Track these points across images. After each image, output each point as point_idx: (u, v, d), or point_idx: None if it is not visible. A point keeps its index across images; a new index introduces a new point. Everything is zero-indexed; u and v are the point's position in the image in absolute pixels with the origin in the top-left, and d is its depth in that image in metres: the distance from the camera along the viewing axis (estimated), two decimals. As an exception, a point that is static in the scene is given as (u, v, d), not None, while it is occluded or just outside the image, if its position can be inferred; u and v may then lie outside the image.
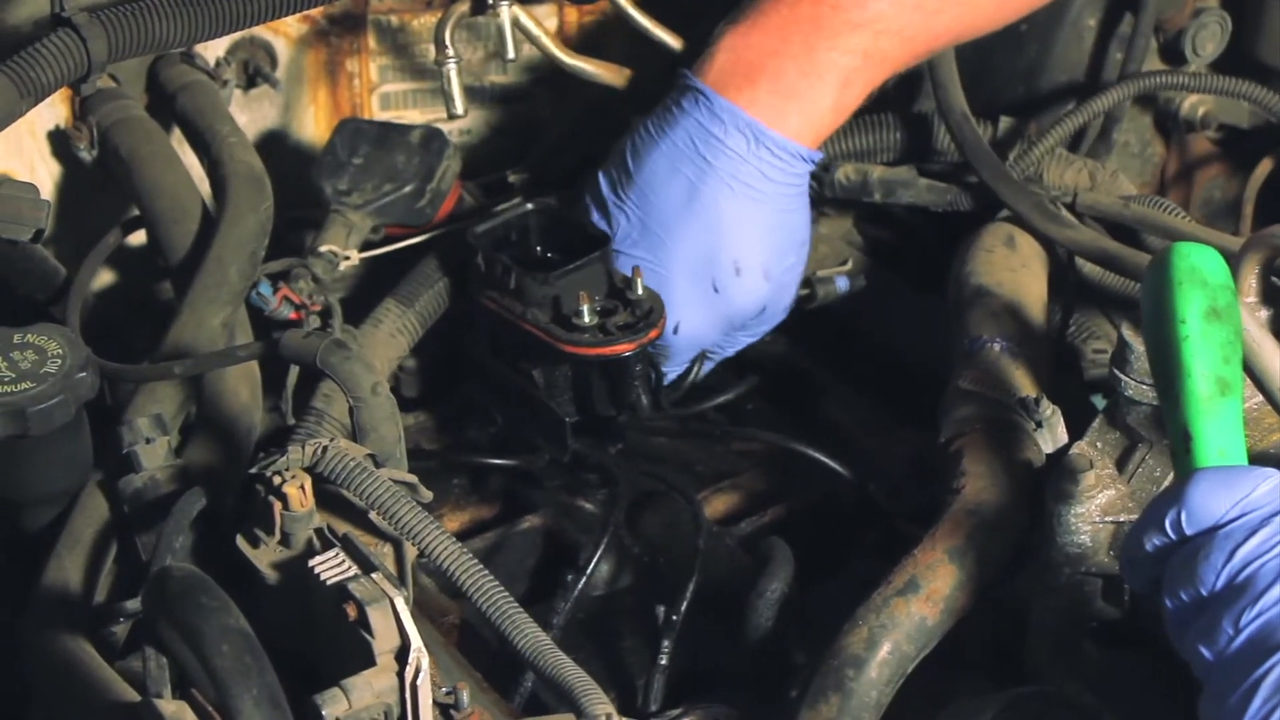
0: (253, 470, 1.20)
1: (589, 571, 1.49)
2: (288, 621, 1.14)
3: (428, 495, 1.21)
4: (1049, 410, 1.44)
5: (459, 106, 1.78)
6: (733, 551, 1.55)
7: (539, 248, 1.70)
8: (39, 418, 1.30)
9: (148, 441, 1.34)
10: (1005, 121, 1.85)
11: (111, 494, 1.35)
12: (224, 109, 1.79)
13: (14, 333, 1.34)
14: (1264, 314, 1.35)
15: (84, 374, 1.33)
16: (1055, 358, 1.63)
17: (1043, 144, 1.77)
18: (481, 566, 1.16)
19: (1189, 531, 1.10)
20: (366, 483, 1.17)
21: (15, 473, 1.37)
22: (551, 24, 1.98)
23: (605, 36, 2.01)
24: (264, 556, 1.17)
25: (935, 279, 1.72)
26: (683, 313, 1.65)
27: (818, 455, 1.62)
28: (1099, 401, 1.55)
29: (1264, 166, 1.93)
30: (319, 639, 1.13)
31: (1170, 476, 1.29)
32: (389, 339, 1.67)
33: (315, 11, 1.90)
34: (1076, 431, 1.37)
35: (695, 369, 1.72)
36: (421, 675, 1.06)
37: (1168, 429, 1.21)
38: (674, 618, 1.44)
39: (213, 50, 1.86)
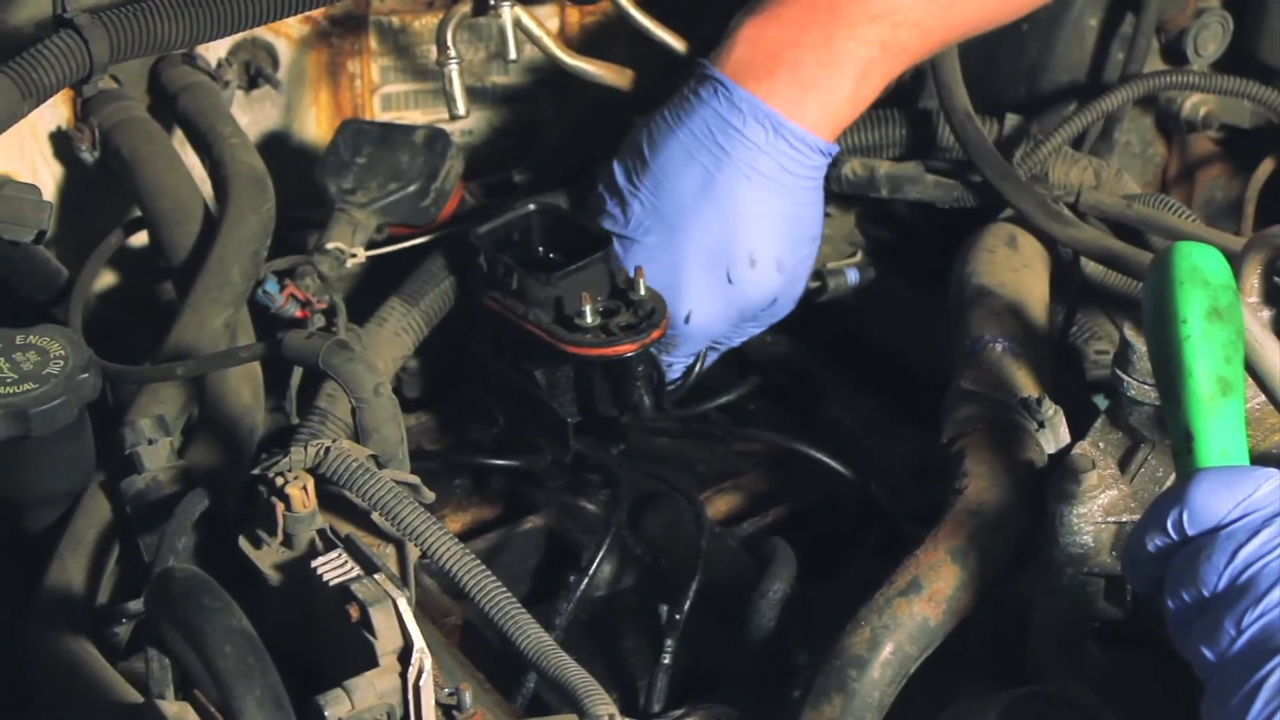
0: (255, 471, 1.20)
1: (591, 572, 1.49)
2: (290, 622, 1.14)
3: (430, 496, 1.21)
4: (1051, 410, 1.44)
5: (461, 107, 1.78)
6: (735, 552, 1.55)
7: (541, 248, 1.70)
8: (41, 419, 1.30)
9: (150, 442, 1.34)
10: (1011, 119, 1.84)
11: (114, 495, 1.35)
12: (226, 110, 1.79)
13: (16, 334, 1.34)
14: (1266, 314, 1.35)
15: (86, 375, 1.33)
16: (1057, 358, 1.63)
17: (1049, 143, 1.77)
18: (484, 567, 1.16)
19: (1191, 532, 1.10)
20: (369, 484, 1.17)
21: (17, 474, 1.37)
22: (553, 25, 1.98)
23: (607, 37, 2.01)
24: (266, 557, 1.17)
25: (937, 279, 1.72)
26: (695, 302, 1.65)
27: (819, 456, 1.62)
28: (1101, 402, 1.55)
29: (1265, 166, 1.93)
30: (321, 640, 1.13)
31: (1172, 477, 1.29)
32: (394, 338, 1.66)
33: (317, 13, 1.90)
34: (1079, 432, 1.37)
35: (700, 360, 1.71)
36: (424, 676, 1.06)
37: (1169, 429, 1.21)
38: (676, 618, 1.44)
39: (214, 51, 1.86)
